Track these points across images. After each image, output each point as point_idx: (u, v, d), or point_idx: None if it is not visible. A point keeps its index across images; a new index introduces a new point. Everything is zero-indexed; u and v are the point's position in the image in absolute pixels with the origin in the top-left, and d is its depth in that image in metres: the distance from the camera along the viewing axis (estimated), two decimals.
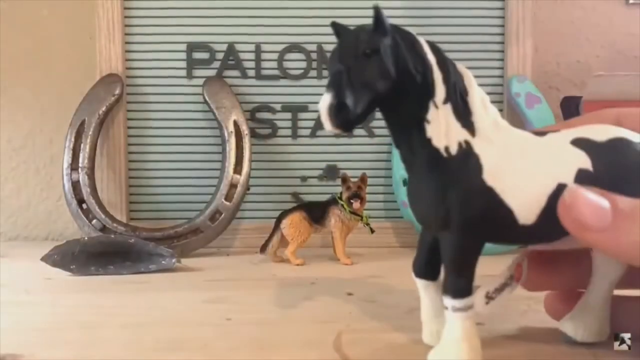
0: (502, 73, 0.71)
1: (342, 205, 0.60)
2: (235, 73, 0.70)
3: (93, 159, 0.66)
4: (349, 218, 0.60)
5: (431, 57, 0.31)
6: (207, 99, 0.68)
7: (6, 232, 0.76)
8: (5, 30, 0.75)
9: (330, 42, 0.70)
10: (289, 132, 0.71)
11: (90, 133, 0.66)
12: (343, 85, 0.28)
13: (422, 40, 0.31)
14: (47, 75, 0.76)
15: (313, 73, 0.71)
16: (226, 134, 0.66)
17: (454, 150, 0.30)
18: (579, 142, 0.31)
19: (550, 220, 0.30)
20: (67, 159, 0.65)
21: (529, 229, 0.30)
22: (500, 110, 0.71)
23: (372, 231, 0.61)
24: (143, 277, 0.54)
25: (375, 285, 0.51)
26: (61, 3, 0.75)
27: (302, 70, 0.70)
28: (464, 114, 0.31)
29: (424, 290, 0.34)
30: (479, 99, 0.31)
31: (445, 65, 0.31)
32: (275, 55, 0.70)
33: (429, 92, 0.30)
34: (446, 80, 0.31)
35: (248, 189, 0.66)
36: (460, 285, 0.30)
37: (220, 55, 0.70)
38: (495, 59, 0.71)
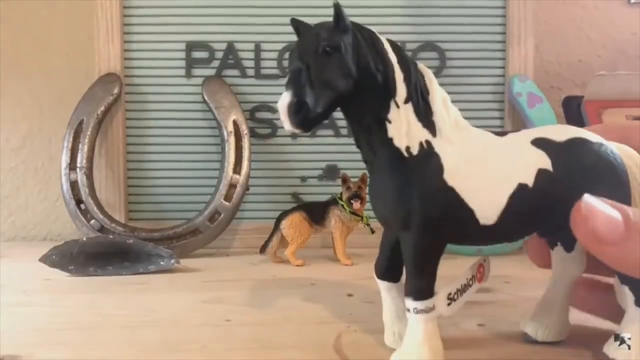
0: (503, 73, 0.70)
1: (342, 205, 0.60)
2: (235, 72, 0.70)
3: (91, 159, 0.66)
4: (349, 218, 0.60)
5: (392, 56, 0.30)
6: (206, 98, 0.67)
7: (5, 233, 0.76)
8: (4, 30, 0.75)
9: None
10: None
11: (89, 133, 0.65)
12: (302, 83, 0.28)
13: (383, 38, 0.30)
14: (45, 76, 0.75)
15: None
16: (225, 134, 0.66)
17: (415, 150, 0.30)
18: (539, 142, 0.31)
19: (511, 220, 0.30)
20: (65, 159, 0.65)
21: (490, 229, 0.30)
22: (502, 110, 0.70)
23: (372, 231, 0.61)
24: (142, 277, 0.54)
25: (375, 286, 0.50)
26: (60, 3, 0.75)
27: None
28: (425, 114, 0.31)
29: (386, 292, 0.34)
30: (440, 98, 0.31)
31: (407, 64, 0.31)
32: (274, 55, 0.70)
33: (390, 92, 0.30)
34: (407, 79, 0.30)
35: (247, 189, 0.66)
36: (421, 287, 0.30)
37: (219, 55, 0.70)
38: (497, 58, 0.70)
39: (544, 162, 0.31)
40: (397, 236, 0.32)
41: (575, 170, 0.30)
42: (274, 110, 0.70)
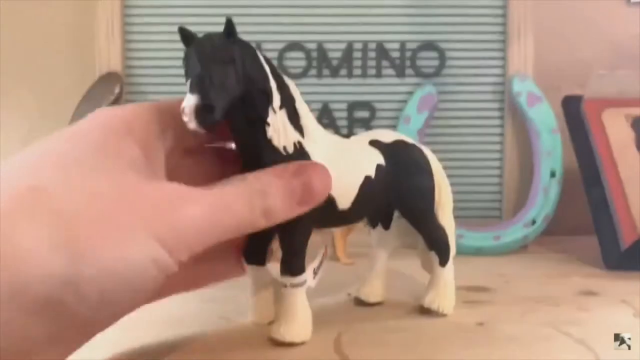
0: (503, 72, 0.70)
1: None
2: None
3: None
4: None
5: (267, 68, 0.34)
6: None
7: None
8: (4, 29, 0.75)
9: (331, 40, 0.70)
10: None
11: None
12: (207, 88, 0.31)
13: (259, 53, 0.35)
14: (45, 75, 0.75)
15: (313, 72, 0.70)
16: None
17: (290, 149, 0.35)
18: (373, 143, 0.40)
19: (359, 205, 0.37)
20: None
21: (344, 214, 0.37)
22: (502, 109, 0.71)
23: None
24: None
25: None
26: (60, 3, 0.75)
27: (302, 69, 0.70)
28: (294, 118, 0.36)
29: (255, 275, 0.39)
30: (304, 104, 0.37)
31: (278, 75, 0.35)
32: (275, 54, 0.70)
33: (268, 98, 0.34)
34: (280, 88, 0.35)
35: None
36: (298, 265, 0.36)
37: None
38: (497, 57, 0.70)
39: (380, 158, 0.39)
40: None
41: (399, 164, 0.39)
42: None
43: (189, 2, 0.70)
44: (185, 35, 0.34)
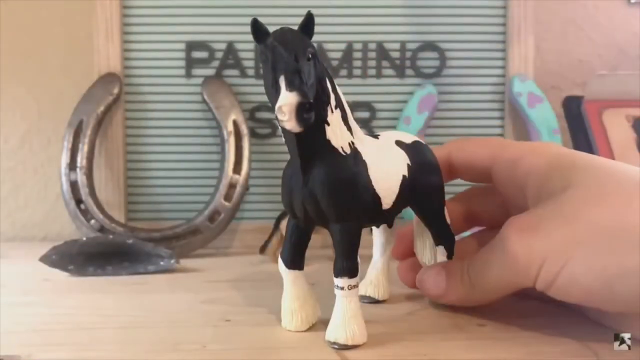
0: (503, 72, 0.70)
1: None
2: (235, 72, 0.70)
3: (91, 159, 0.66)
4: None
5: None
6: (206, 98, 0.67)
7: (4, 233, 0.76)
8: (3, 29, 0.75)
9: (331, 40, 0.70)
10: None
11: (89, 133, 0.65)
12: (304, 85, 0.30)
13: None
14: (44, 75, 0.75)
15: None
16: (225, 134, 0.66)
17: (347, 149, 0.34)
18: (398, 143, 0.39)
19: (398, 204, 0.37)
20: (65, 159, 0.65)
21: (387, 212, 0.37)
22: (502, 110, 0.70)
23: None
24: (141, 278, 0.54)
25: None
26: (59, 3, 0.75)
27: None
28: (345, 118, 0.35)
29: (293, 281, 0.37)
30: (347, 104, 0.36)
31: (329, 74, 0.34)
32: None
33: (327, 98, 0.33)
34: (333, 88, 0.34)
35: (247, 189, 0.66)
36: (354, 267, 0.34)
37: (219, 55, 0.70)
38: (497, 58, 0.70)
39: (407, 158, 0.38)
40: (304, 228, 0.36)
41: (420, 163, 0.39)
42: (274, 111, 0.70)
43: (188, 2, 0.70)
44: (260, 29, 0.32)
